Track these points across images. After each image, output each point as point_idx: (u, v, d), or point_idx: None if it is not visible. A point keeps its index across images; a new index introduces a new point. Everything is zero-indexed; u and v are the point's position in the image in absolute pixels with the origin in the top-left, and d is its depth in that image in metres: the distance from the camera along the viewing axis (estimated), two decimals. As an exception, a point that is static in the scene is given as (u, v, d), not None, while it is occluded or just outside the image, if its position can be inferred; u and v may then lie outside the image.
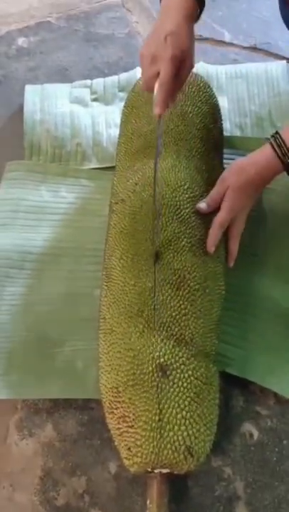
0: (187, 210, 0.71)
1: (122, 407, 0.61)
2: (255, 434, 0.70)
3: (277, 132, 0.70)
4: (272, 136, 0.70)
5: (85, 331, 0.77)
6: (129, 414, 0.59)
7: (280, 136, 0.69)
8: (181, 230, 0.70)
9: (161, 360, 0.60)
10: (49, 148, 1.01)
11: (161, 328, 0.62)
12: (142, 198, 0.71)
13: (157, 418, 0.58)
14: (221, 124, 0.88)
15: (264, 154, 0.70)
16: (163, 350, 0.61)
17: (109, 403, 0.63)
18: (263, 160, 0.71)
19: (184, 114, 0.78)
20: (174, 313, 0.63)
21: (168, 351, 0.61)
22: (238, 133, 1.01)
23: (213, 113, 0.84)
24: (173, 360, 0.60)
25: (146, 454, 0.57)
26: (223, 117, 0.90)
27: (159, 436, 0.57)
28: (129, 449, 0.59)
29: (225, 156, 0.88)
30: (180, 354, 0.61)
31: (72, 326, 0.78)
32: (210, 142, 0.80)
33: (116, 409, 0.61)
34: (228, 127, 1.01)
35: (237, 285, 0.78)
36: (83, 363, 0.75)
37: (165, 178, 0.72)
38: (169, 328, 0.62)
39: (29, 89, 1.09)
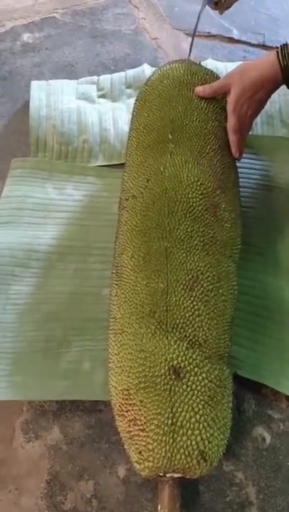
0: (200, 208, 0.69)
1: (133, 409, 0.59)
2: (268, 438, 0.69)
3: (287, 44, 0.71)
4: (281, 46, 0.71)
5: (93, 331, 0.75)
6: (141, 417, 0.58)
7: (287, 47, 0.71)
8: (194, 229, 0.68)
9: (175, 362, 0.58)
10: (55, 145, 0.99)
11: (174, 330, 0.60)
12: (154, 195, 0.69)
13: (170, 422, 0.56)
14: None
15: (269, 61, 0.73)
16: (176, 352, 0.59)
17: (120, 405, 0.61)
18: (267, 66, 0.73)
19: (198, 109, 0.76)
20: (187, 315, 0.61)
21: (181, 353, 0.59)
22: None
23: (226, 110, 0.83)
24: (186, 363, 0.58)
25: (159, 458, 0.55)
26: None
27: (171, 440, 0.55)
28: (140, 452, 0.57)
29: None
30: (194, 356, 0.59)
31: (80, 325, 0.76)
32: (224, 139, 0.78)
33: (127, 411, 0.60)
34: (238, 125, 0.99)
35: (249, 286, 0.76)
36: (91, 364, 0.73)
37: (178, 174, 0.70)
38: (182, 330, 0.60)
39: (35, 85, 1.08)
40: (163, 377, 0.58)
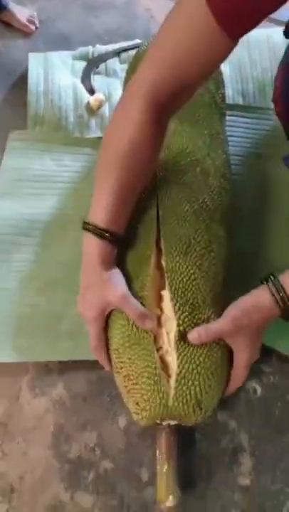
0: (189, 174, 0.72)
1: (124, 366, 0.63)
2: (259, 390, 0.73)
3: (274, 276, 0.61)
4: (270, 279, 0.61)
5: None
6: (132, 372, 0.62)
7: (281, 290, 0.60)
8: (184, 195, 0.71)
9: (181, 328, 0.62)
10: (52, 119, 1.01)
11: (176, 295, 0.63)
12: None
13: (158, 371, 0.60)
14: (224, 88, 0.88)
15: (268, 306, 0.61)
16: (182, 317, 0.62)
17: (114, 364, 0.65)
18: (263, 308, 0.61)
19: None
20: (184, 279, 0.65)
21: (186, 319, 0.62)
22: (240, 99, 1.02)
23: (216, 77, 0.85)
24: (191, 327, 0.62)
25: (155, 406, 0.59)
26: (225, 84, 0.90)
27: (163, 388, 0.59)
28: (137, 403, 0.61)
29: (228, 123, 0.89)
30: (196, 318, 0.63)
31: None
32: (212, 107, 0.80)
33: (121, 368, 0.64)
34: (230, 94, 1.01)
35: (239, 249, 0.78)
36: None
37: (167, 143, 0.73)
38: (182, 295, 0.63)
39: (32, 58, 1.09)
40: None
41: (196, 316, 0.63)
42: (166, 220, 0.69)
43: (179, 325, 0.62)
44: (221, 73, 0.88)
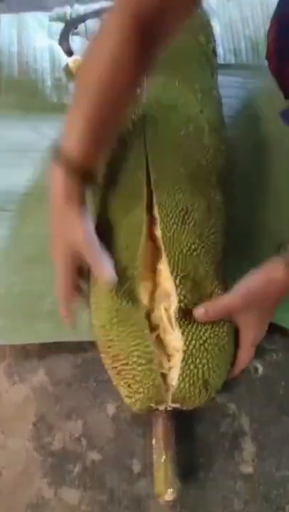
0: (182, 133, 0.66)
1: (113, 345, 0.57)
2: (260, 368, 0.68)
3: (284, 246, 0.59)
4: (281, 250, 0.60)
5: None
6: (121, 351, 0.56)
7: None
8: (178, 157, 0.64)
9: (182, 304, 0.56)
10: (28, 82, 0.93)
11: (176, 269, 0.57)
12: (132, 120, 0.65)
13: (150, 349, 0.54)
14: (214, 41, 0.82)
15: (274, 273, 0.58)
16: (183, 292, 0.56)
17: (102, 343, 0.59)
18: (276, 281, 0.57)
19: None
20: (184, 250, 0.58)
21: (188, 294, 0.56)
22: (232, 58, 0.95)
23: (205, 30, 0.79)
24: (195, 302, 0.56)
25: (149, 387, 0.54)
26: (216, 42, 0.84)
27: (156, 367, 0.54)
28: (129, 386, 0.56)
29: (220, 83, 0.81)
30: (199, 293, 0.57)
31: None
32: (203, 61, 0.74)
33: (108, 347, 0.58)
34: (222, 53, 0.94)
35: (236, 214, 0.73)
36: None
37: (157, 97, 0.67)
38: (183, 267, 0.57)
39: (5, 19, 1.01)
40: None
41: (199, 291, 0.57)
42: (160, 185, 0.62)
43: (180, 301, 0.56)
44: (211, 26, 0.82)
